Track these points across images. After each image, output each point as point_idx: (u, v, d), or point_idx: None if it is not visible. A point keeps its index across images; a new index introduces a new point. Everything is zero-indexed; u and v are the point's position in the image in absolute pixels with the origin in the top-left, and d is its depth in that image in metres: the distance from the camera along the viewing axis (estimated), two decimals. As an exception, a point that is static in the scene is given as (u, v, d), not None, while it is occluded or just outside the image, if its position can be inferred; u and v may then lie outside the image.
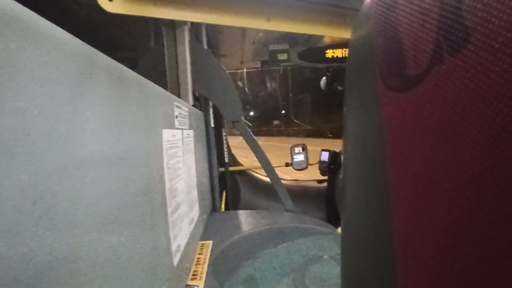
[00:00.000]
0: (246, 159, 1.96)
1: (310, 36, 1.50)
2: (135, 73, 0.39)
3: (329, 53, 1.52)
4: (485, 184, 0.12)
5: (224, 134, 1.60)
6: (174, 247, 0.51)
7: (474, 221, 0.13)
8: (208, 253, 0.73)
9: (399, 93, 0.19)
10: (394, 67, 0.19)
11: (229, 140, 1.67)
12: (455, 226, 0.14)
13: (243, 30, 1.35)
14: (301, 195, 1.63)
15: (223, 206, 1.44)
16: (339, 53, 1.50)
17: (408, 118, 0.18)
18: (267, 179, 1.20)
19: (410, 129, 0.18)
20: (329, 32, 0.97)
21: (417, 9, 0.17)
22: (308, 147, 1.74)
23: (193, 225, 0.71)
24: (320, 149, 1.71)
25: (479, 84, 0.13)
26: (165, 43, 0.98)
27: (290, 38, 1.54)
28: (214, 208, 1.20)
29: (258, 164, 1.19)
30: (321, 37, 1.54)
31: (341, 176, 1.10)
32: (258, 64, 1.97)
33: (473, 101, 0.13)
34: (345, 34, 0.97)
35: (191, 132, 0.75)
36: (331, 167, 1.63)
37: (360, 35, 0.27)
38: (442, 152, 0.15)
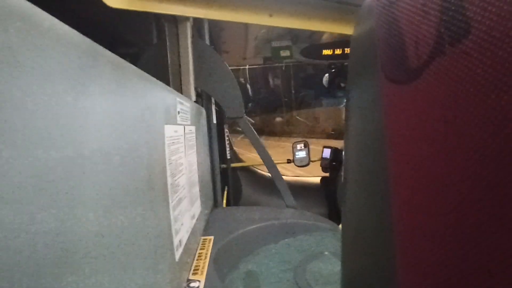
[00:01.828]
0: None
1: (313, 32, 1.49)
2: (138, 69, 0.39)
3: (331, 50, 1.51)
4: (487, 180, 0.12)
5: (226, 130, 1.60)
6: (175, 242, 0.52)
7: (475, 217, 0.13)
8: (210, 248, 0.74)
9: (401, 86, 0.19)
10: (397, 60, 0.19)
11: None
12: (456, 222, 0.14)
13: (246, 26, 1.34)
14: (302, 191, 1.64)
15: (224, 202, 1.44)
16: (341, 50, 1.49)
17: (410, 111, 0.18)
18: (269, 176, 1.20)
19: (412, 122, 0.18)
20: (331, 28, 0.96)
21: (419, 1, 0.17)
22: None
23: (194, 220, 0.71)
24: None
25: (481, 74, 0.12)
26: (167, 39, 0.98)
27: (293, 35, 1.53)
28: (216, 204, 1.20)
29: (260, 161, 1.19)
30: (324, 33, 1.53)
31: (342, 172, 1.10)
32: (261, 61, 1.97)
33: (475, 91, 0.13)
34: (347, 30, 0.96)
35: (193, 128, 0.75)
36: (332, 163, 1.63)
37: (362, 30, 0.27)
38: (444, 146, 0.15)
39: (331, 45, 1.50)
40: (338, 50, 1.48)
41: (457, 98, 0.14)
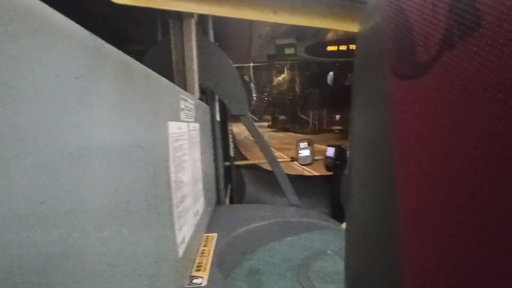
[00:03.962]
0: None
1: (318, 30, 1.48)
2: (142, 65, 0.39)
3: (336, 47, 1.50)
4: (497, 178, 0.12)
5: (229, 128, 1.60)
6: (179, 239, 0.52)
7: (483, 217, 0.13)
8: (213, 246, 0.74)
9: (408, 81, 0.18)
10: (404, 55, 0.19)
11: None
12: (464, 221, 0.14)
13: (250, 24, 1.34)
14: (306, 190, 1.64)
15: (227, 199, 1.44)
16: (346, 46, 1.49)
17: (418, 107, 0.17)
18: (272, 174, 1.20)
19: (420, 118, 0.17)
20: (336, 26, 0.96)
21: None
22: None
23: (198, 217, 0.71)
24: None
25: (492, 68, 0.12)
26: (172, 35, 0.98)
27: (298, 33, 1.52)
28: (219, 202, 1.21)
29: (263, 159, 1.19)
30: (328, 32, 1.52)
31: (346, 171, 1.10)
32: (265, 58, 1.96)
33: (486, 86, 0.13)
34: (352, 28, 0.95)
35: (197, 125, 0.75)
36: (336, 162, 1.63)
37: (368, 26, 0.26)
38: (453, 142, 0.15)
39: (336, 42, 1.49)
40: (343, 46, 1.48)
41: (467, 93, 0.14)
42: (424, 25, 0.17)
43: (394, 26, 0.20)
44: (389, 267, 0.22)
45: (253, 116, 1.27)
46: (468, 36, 0.13)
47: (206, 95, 1.15)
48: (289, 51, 1.56)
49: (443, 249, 0.16)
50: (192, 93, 0.98)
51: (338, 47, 1.50)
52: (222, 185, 1.23)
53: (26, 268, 0.18)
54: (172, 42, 0.98)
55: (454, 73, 0.14)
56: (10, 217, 0.17)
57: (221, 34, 1.37)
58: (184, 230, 0.56)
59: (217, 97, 1.21)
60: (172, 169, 0.49)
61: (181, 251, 0.53)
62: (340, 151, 1.64)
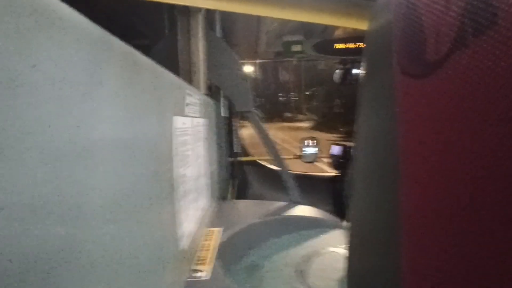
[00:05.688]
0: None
1: (326, 28, 1.47)
2: (149, 60, 0.39)
3: (344, 44, 1.49)
4: (503, 180, 0.12)
5: (234, 124, 1.60)
6: (180, 233, 0.52)
7: (486, 219, 0.13)
8: (214, 240, 0.74)
9: (417, 80, 0.18)
10: (414, 53, 0.18)
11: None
12: (465, 223, 0.14)
13: (258, 20, 1.33)
14: (309, 187, 1.63)
15: (230, 195, 1.45)
16: (354, 44, 1.47)
17: (426, 106, 0.17)
18: (276, 170, 1.20)
19: (426, 118, 0.17)
20: (344, 23, 0.95)
21: None
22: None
23: (200, 212, 0.72)
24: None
25: (505, 67, 0.12)
26: (178, 30, 0.98)
27: (306, 30, 1.51)
28: (222, 197, 1.21)
29: (267, 155, 1.19)
30: (336, 29, 1.50)
31: (350, 170, 1.09)
32: (272, 55, 1.95)
33: (498, 86, 0.12)
34: (361, 25, 0.94)
35: (201, 120, 0.76)
36: (340, 161, 1.62)
37: (378, 24, 0.26)
38: (459, 143, 0.14)
39: (344, 40, 1.47)
40: (351, 44, 1.46)
41: (477, 93, 0.13)
42: (437, 23, 0.16)
43: (404, 24, 0.20)
44: (391, 266, 0.22)
45: (258, 113, 1.27)
46: (482, 34, 0.13)
47: (211, 90, 1.15)
48: (296, 48, 1.55)
49: (444, 250, 0.15)
50: (198, 88, 0.98)
51: (346, 44, 1.49)
52: (225, 181, 1.24)
53: (29, 261, 0.18)
54: (179, 36, 0.98)
55: (465, 72, 0.14)
56: (14, 211, 0.17)
57: (228, 30, 1.37)
58: (187, 224, 0.57)
59: (222, 93, 1.21)
60: (175, 163, 0.50)
61: (183, 244, 0.53)
62: (344, 150, 1.63)
